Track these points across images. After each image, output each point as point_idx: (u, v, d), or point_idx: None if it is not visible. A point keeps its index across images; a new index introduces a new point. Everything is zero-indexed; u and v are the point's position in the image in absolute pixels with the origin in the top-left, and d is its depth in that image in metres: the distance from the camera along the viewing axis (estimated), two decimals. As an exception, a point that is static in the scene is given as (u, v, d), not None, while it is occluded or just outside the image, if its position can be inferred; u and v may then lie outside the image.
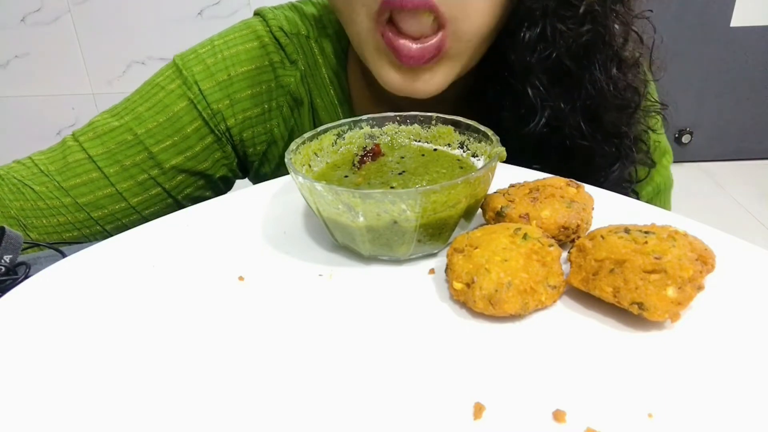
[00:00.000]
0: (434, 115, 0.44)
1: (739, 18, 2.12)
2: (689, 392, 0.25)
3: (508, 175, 0.42)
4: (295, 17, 0.60)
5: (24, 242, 0.40)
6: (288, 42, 0.58)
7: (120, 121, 0.56)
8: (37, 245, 0.48)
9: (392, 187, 0.37)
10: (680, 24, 2.04)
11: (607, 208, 0.39)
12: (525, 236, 0.32)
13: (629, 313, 0.29)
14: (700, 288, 0.29)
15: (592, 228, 0.35)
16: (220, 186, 0.63)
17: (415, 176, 0.39)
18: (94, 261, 0.38)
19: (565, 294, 0.32)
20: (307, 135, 0.41)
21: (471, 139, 0.42)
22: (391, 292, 0.34)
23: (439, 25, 0.45)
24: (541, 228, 0.34)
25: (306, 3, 0.62)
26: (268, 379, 0.27)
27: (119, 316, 0.33)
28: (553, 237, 0.35)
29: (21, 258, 0.40)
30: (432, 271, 0.35)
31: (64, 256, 0.41)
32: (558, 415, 0.24)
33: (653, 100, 0.57)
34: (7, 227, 0.39)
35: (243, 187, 0.49)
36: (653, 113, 0.56)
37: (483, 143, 0.40)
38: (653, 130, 0.57)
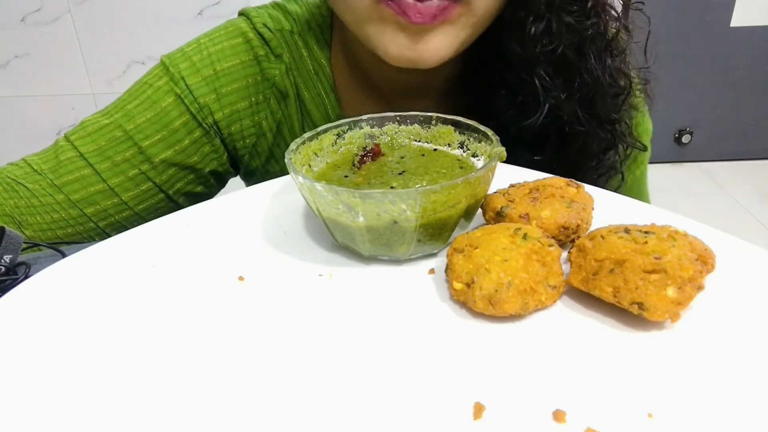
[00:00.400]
0: (434, 115, 0.44)
1: (739, 18, 2.12)
2: (689, 392, 0.25)
3: (508, 175, 0.42)
4: (279, 14, 0.61)
5: (24, 242, 0.40)
6: (272, 37, 0.60)
7: (110, 119, 0.57)
8: (37, 245, 0.48)
9: (392, 187, 0.37)
10: (680, 24, 2.04)
11: (607, 208, 0.39)
12: (525, 236, 0.32)
13: (629, 313, 0.29)
14: (700, 288, 0.29)
15: (592, 228, 0.35)
16: (212, 181, 0.63)
17: (415, 176, 0.39)
18: (94, 261, 0.38)
19: (565, 294, 0.32)
20: (307, 135, 0.41)
21: (471, 139, 0.42)
22: (391, 292, 0.34)
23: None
24: (541, 228, 0.34)
25: (289, 1, 0.63)
26: (269, 379, 0.27)
27: (119, 316, 0.33)
28: (553, 237, 0.35)
29: (21, 258, 0.40)
30: (432, 271, 0.35)
31: (64, 256, 0.41)
32: (558, 415, 0.24)
33: (637, 82, 0.59)
34: (7, 227, 0.39)
35: (243, 187, 0.49)
36: (639, 94, 0.59)
37: (483, 143, 0.40)
38: (637, 109, 0.59)
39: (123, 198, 0.57)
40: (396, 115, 0.44)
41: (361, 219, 0.33)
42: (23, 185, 0.54)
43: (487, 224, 0.36)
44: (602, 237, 0.31)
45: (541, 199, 0.36)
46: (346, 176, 0.40)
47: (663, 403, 0.25)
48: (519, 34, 0.51)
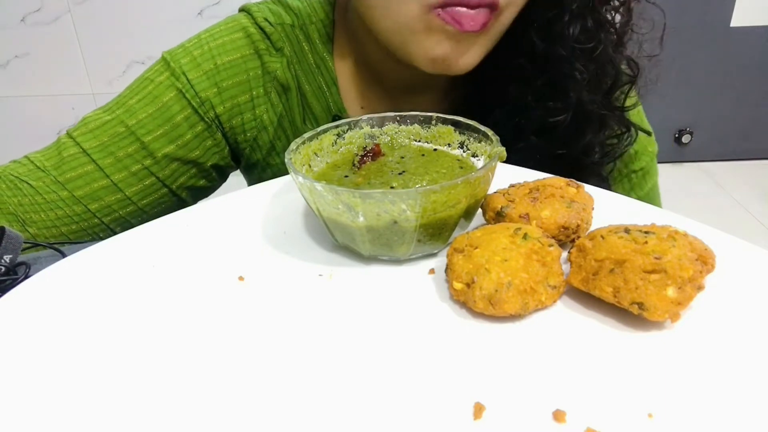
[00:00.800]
0: (434, 115, 0.44)
1: (739, 18, 2.12)
2: (689, 392, 0.25)
3: (508, 175, 0.42)
4: (279, 9, 0.62)
5: (24, 242, 0.40)
6: (273, 31, 0.60)
7: (112, 115, 0.57)
8: (37, 245, 0.48)
9: (392, 187, 0.37)
10: (680, 24, 2.04)
11: (607, 208, 0.39)
12: (525, 236, 0.32)
13: (629, 313, 0.29)
14: (700, 288, 0.29)
15: (592, 228, 0.35)
16: (214, 175, 0.64)
17: (415, 176, 0.39)
18: (94, 261, 0.38)
19: (565, 294, 0.32)
20: (307, 135, 0.41)
21: (471, 139, 0.42)
22: (391, 292, 0.34)
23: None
24: (541, 228, 0.34)
25: None
26: (269, 379, 0.27)
27: (119, 316, 0.33)
28: (553, 237, 0.35)
29: (21, 258, 0.40)
30: (432, 271, 0.35)
31: (64, 256, 0.41)
32: (558, 415, 0.24)
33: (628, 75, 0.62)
34: (7, 227, 0.39)
35: (240, 187, 0.49)
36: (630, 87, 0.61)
37: (483, 143, 0.40)
38: (628, 108, 0.61)
39: (127, 193, 0.57)
40: (396, 115, 0.44)
41: (361, 219, 0.33)
42: (27, 183, 0.54)
43: (487, 224, 0.36)
44: (602, 237, 0.31)
45: (541, 199, 0.36)
46: (346, 176, 0.40)
47: (663, 403, 0.25)
48: (554, 32, 0.53)
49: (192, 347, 0.30)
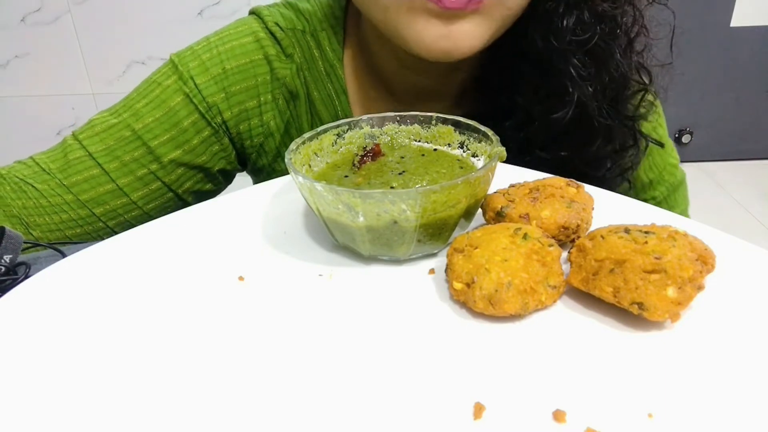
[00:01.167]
0: (434, 115, 0.44)
1: (739, 18, 2.12)
2: (689, 392, 0.25)
3: (508, 175, 0.42)
4: (291, 13, 0.61)
5: (24, 242, 0.40)
6: (284, 36, 0.59)
7: (118, 118, 0.56)
8: (38, 245, 0.48)
9: (392, 187, 0.37)
10: (680, 24, 2.04)
11: (607, 208, 0.39)
12: (525, 236, 0.32)
13: (629, 313, 0.29)
14: (700, 288, 0.29)
15: (592, 228, 0.35)
16: (220, 179, 0.63)
17: (415, 176, 0.39)
18: (94, 261, 0.38)
19: (565, 294, 0.32)
20: (307, 135, 0.41)
21: (471, 139, 0.42)
22: (391, 292, 0.34)
23: None
24: (541, 228, 0.34)
25: (301, 0, 0.63)
26: (269, 379, 0.27)
27: (119, 316, 0.33)
28: (553, 237, 0.35)
29: (21, 258, 0.40)
30: (432, 271, 0.35)
31: (64, 256, 0.41)
32: (558, 415, 0.24)
33: (650, 91, 0.59)
34: (7, 227, 0.39)
35: (243, 187, 0.49)
36: (649, 105, 0.59)
37: (483, 143, 0.40)
38: (646, 118, 0.59)
39: (132, 198, 0.57)
40: (396, 115, 0.44)
41: (361, 219, 0.33)
42: (31, 185, 0.54)
43: (487, 224, 0.36)
44: (602, 237, 0.31)
45: (541, 199, 0.36)
46: (346, 176, 0.40)
47: (663, 403, 0.25)
48: (549, 26, 0.51)
49: (192, 347, 0.30)
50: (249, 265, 0.37)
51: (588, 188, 0.39)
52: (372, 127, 0.44)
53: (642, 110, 0.57)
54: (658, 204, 0.65)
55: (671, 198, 0.67)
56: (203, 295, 0.34)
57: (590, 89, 0.52)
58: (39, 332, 0.31)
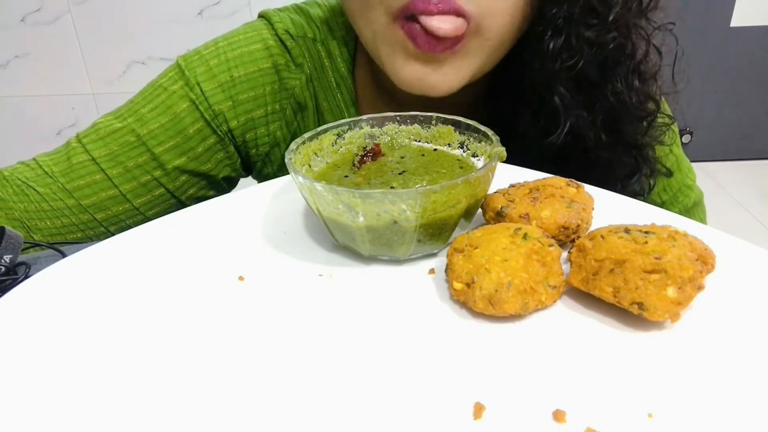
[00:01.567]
0: (434, 115, 0.43)
1: (739, 18, 2.12)
2: (689, 392, 0.25)
3: (508, 175, 0.42)
4: (301, 20, 0.60)
5: (24, 242, 0.40)
6: (294, 45, 0.58)
7: (123, 122, 0.56)
8: (38, 245, 0.48)
9: (392, 187, 0.37)
10: (680, 24, 2.04)
11: (607, 208, 0.39)
12: (525, 236, 0.32)
13: (629, 313, 0.29)
14: (700, 288, 0.29)
15: (592, 228, 0.35)
16: (224, 186, 0.63)
17: (415, 176, 0.39)
18: (94, 261, 0.38)
19: (565, 294, 0.32)
20: (307, 135, 0.41)
21: (471, 139, 0.42)
22: (391, 292, 0.34)
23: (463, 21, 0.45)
24: (541, 228, 0.34)
25: (312, 5, 0.62)
26: (268, 379, 0.27)
27: (119, 316, 0.33)
28: (553, 237, 0.35)
29: (21, 258, 0.40)
30: (432, 271, 0.35)
31: (64, 256, 0.41)
32: (558, 415, 0.24)
33: (666, 115, 0.57)
34: (7, 227, 0.39)
35: (244, 187, 0.49)
36: (664, 127, 0.57)
37: (483, 143, 0.40)
38: (663, 143, 0.57)
39: (135, 204, 0.57)
40: (396, 115, 0.44)
41: (361, 219, 0.33)
42: (33, 188, 0.53)
43: (487, 224, 0.36)
44: (602, 237, 0.31)
45: (541, 199, 0.36)
46: (346, 176, 0.40)
47: (663, 403, 0.25)
48: (538, 50, 0.49)
49: (192, 347, 0.30)
50: (249, 265, 0.37)
51: (588, 188, 0.39)
52: (372, 127, 0.44)
53: (647, 139, 0.54)
54: (694, 202, 0.64)
55: (700, 210, 0.66)
56: (203, 295, 0.34)
57: (585, 114, 0.51)
58: (39, 332, 0.31)
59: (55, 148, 0.57)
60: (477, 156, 0.41)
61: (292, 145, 0.39)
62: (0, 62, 1.96)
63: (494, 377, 0.27)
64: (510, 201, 0.36)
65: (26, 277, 0.38)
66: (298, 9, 0.61)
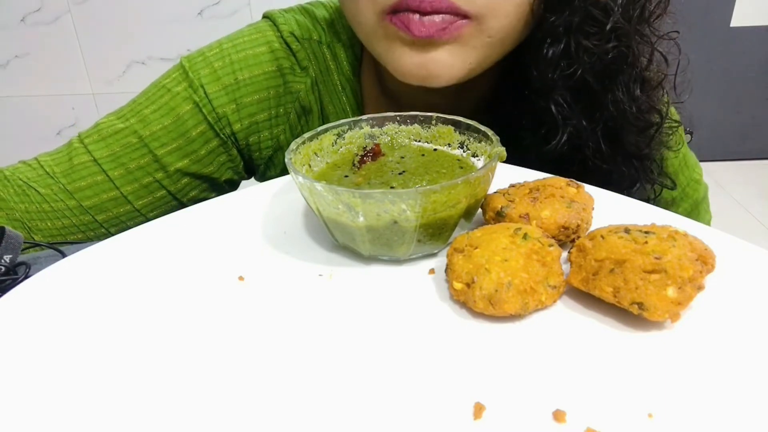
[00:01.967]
0: (434, 115, 0.44)
1: (739, 18, 2.12)
2: (689, 392, 0.25)
3: (508, 175, 0.42)
4: (307, 21, 0.59)
5: (24, 242, 0.40)
6: (299, 48, 0.58)
7: (125, 123, 0.55)
8: (38, 245, 0.48)
9: (392, 187, 0.37)
10: (680, 24, 2.04)
11: (607, 208, 0.39)
12: (525, 236, 0.32)
13: (629, 313, 0.29)
14: (700, 288, 0.29)
15: (592, 228, 0.35)
16: (226, 188, 0.63)
17: (415, 176, 0.39)
18: (94, 261, 0.38)
19: (565, 294, 0.32)
20: (307, 135, 0.41)
21: (471, 139, 0.42)
22: (391, 292, 0.34)
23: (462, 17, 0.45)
24: (541, 228, 0.34)
25: (317, 6, 0.61)
26: (268, 379, 0.27)
27: (119, 316, 0.33)
28: (553, 237, 0.35)
29: (21, 258, 0.40)
30: (432, 271, 0.35)
31: (64, 256, 0.41)
32: (558, 415, 0.24)
33: (673, 120, 0.56)
34: (7, 227, 0.39)
35: (244, 187, 0.49)
36: (670, 131, 0.56)
37: (483, 143, 0.40)
38: (671, 148, 0.56)
39: (136, 205, 0.56)
40: (396, 115, 0.44)
41: (361, 219, 0.33)
42: (35, 189, 0.53)
43: (487, 224, 0.36)
44: (602, 237, 0.31)
45: (541, 199, 0.36)
46: (346, 176, 0.40)
47: (663, 403, 0.25)
48: (537, 57, 0.49)
49: (192, 347, 0.30)
50: (249, 265, 0.37)
51: (588, 188, 0.39)
52: (372, 127, 0.44)
53: (648, 150, 0.54)
54: (697, 202, 0.64)
55: (694, 213, 0.65)
56: (203, 295, 0.34)
57: (584, 124, 0.50)
58: (39, 332, 0.31)
59: (57, 148, 0.57)
60: (477, 156, 0.41)
61: (292, 145, 0.39)
62: (0, 62, 1.96)
63: (494, 377, 0.27)
64: (510, 201, 0.36)
65: (26, 277, 0.38)
66: (303, 10, 0.61)
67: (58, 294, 0.35)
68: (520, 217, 0.35)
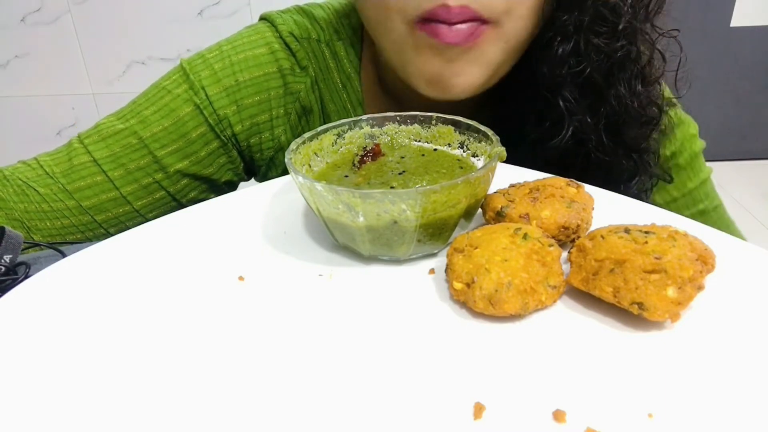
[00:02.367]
0: (434, 115, 0.44)
1: (739, 18, 2.12)
2: (689, 392, 0.25)
3: (508, 175, 0.42)
4: (305, 21, 0.59)
5: (24, 242, 0.40)
6: (299, 47, 0.58)
7: (125, 124, 0.56)
8: (38, 245, 0.48)
9: (392, 187, 0.37)
10: (680, 24, 2.04)
11: (607, 208, 0.39)
12: (525, 236, 0.32)
13: (629, 313, 0.29)
14: (700, 288, 0.29)
15: (592, 228, 0.35)
16: (225, 189, 0.63)
17: (415, 176, 0.39)
18: (94, 261, 0.38)
19: (565, 294, 0.32)
20: (307, 135, 0.41)
21: (471, 139, 0.42)
22: (391, 292, 0.34)
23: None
24: (541, 228, 0.34)
25: (314, 7, 0.61)
26: (268, 379, 0.27)
27: (119, 316, 0.33)
28: (553, 237, 0.35)
29: (21, 258, 0.40)
30: (432, 271, 0.35)
31: (64, 256, 0.41)
32: (558, 415, 0.24)
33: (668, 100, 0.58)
34: (7, 227, 0.39)
35: (244, 187, 0.49)
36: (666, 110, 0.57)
37: (483, 143, 0.40)
38: (665, 134, 0.58)
39: (135, 206, 0.57)
40: (396, 115, 0.44)
41: (361, 219, 0.33)
42: (34, 189, 0.53)
43: (487, 224, 0.36)
44: (602, 237, 0.31)
45: (541, 199, 0.36)
46: (346, 176, 0.40)
47: (663, 403, 0.25)
48: (547, 55, 0.50)
49: (192, 347, 0.30)
50: (249, 265, 0.37)
51: (588, 188, 0.39)
52: (372, 127, 0.44)
53: (646, 144, 0.55)
54: (682, 170, 0.64)
55: (695, 163, 0.65)
56: (203, 295, 0.34)
57: (588, 119, 0.51)
58: (39, 332, 0.31)
59: (57, 148, 0.57)
60: (477, 156, 0.41)
61: (292, 145, 0.39)
62: (0, 62, 1.96)
63: (494, 377, 0.27)
64: (510, 201, 0.36)
65: (26, 277, 0.38)
66: (300, 10, 0.61)
67: (58, 294, 0.35)
68: (520, 217, 0.35)
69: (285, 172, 0.62)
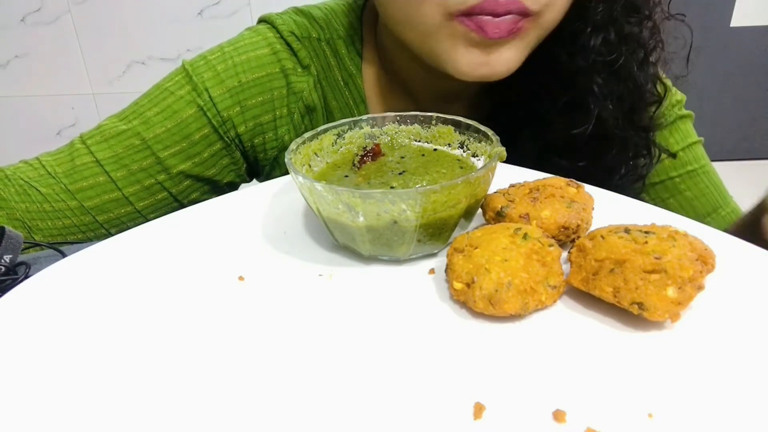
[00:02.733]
0: (434, 115, 0.44)
1: (739, 18, 2.12)
2: (689, 392, 0.25)
3: (508, 175, 0.42)
4: (304, 21, 0.60)
5: (24, 242, 0.40)
6: (300, 47, 0.58)
7: (128, 125, 0.56)
8: (38, 245, 0.48)
9: (392, 187, 0.37)
10: (680, 24, 2.04)
11: (607, 208, 0.39)
12: (525, 236, 0.32)
13: (629, 313, 0.29)
14: (700, 288, 0.29)
15: (592, 228, 0.35)
16: (227, 190, 0.63)
17: (415, 176, 0.39)
18: (94, 261, 0.38)
19: (565, 294, 0.32)
20: (307, 135, 0.41)
21: (471, 139, 0.42)
22: (391, 292, 0.34)
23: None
24: (541, 228, 0.34)
25: (311, 7, 0.62)
26: (268, 379, 0.27)
27: (119, 316, 0.33)
28: (553, 237, 0.35)
29: (21, 258, 0.40)
30: (432, 271, 0.35)
31: (64, 256, 0.41)
32: (558, 415, 0.24)
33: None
34: (7, 227, 0.39)
35: (244, 187, 0.49)
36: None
37: (483, 143, 0.40)
38: (660, 129, 0.60)
39: (137, 207, 0.57)
40: (396, 115, 0.44)
41: (361, 219, 0.33)
42: (36, 188, 0.53)
43: (487, 224, 0.36)
44: (602, 237, 0.31)
45: (541, 199, 0.36)
46: (346, 176, 0.40)
47: (663, 403, 0.25)
48: (575, 45, 0.52)
49: (192, 347, 0.30)
50: (249, 265, 0.37)
51: (588, 188, 0.39)
52: (372, 127, 0.44)
53: (649, 122, 0.57)
54: (665, 129, 0.64)
55: (681, 126, 0.66)
56: (203, 295, 0.34)
57: (609, 104, 0.53)
58: (39, 332, 0.31)
59: (59, 148, 0.57)
60: (477, 156, 0.41)
61: (292, 145, 0.39)
62: (0, 62, 1.96)
63: (494, 377, 0.27)
64: (510, 201, 0.36)
65: (26, 277, 0.38)
66: (298, 11, 0.61)
67: (58, 294, 0.35)
68: (520, 217, 0.35)
69: (288, 171, 0.63)
